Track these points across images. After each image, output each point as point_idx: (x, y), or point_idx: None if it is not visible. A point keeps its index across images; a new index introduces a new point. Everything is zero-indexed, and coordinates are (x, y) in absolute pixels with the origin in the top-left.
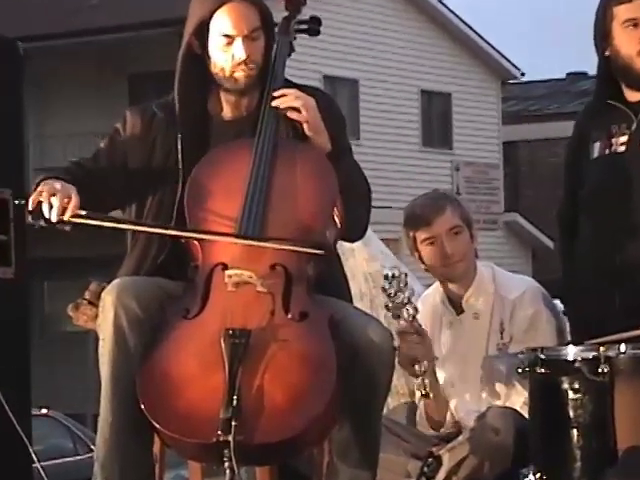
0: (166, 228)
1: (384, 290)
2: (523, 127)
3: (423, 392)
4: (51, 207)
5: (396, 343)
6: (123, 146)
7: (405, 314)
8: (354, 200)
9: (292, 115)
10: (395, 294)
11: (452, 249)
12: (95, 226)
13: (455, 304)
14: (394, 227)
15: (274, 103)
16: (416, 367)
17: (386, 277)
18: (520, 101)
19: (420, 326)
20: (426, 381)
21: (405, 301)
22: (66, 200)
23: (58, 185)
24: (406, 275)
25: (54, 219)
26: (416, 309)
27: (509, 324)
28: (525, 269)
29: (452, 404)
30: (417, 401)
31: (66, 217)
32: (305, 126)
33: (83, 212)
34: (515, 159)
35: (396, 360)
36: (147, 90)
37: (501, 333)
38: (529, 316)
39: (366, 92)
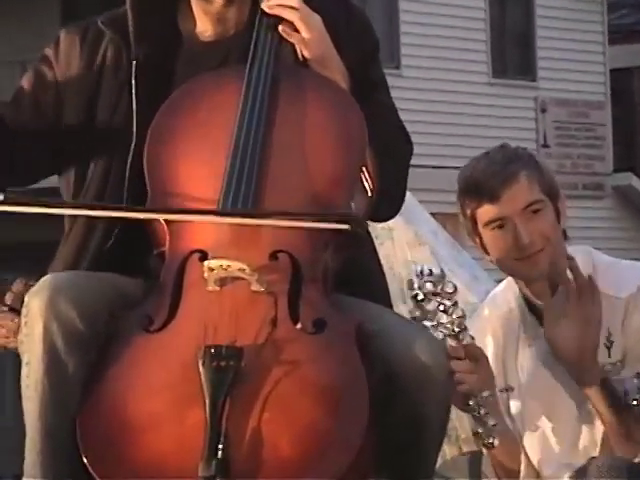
0: (115, 209)
1: (411, 288)
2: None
3: (486, 442)
4: None
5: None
6: (55, 83)
7: (446, 329)
8: (385, 161)
9: (284, 31)
10: (426, 298)
11: (529, 235)
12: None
13: (538, 310)
14: (450, 196)
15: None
16: (471, 402)
17: (421, 273)
18: (634, 10)
19: (472, 341)
20: (490, 422)
21: (446, 309)
22: None
23: None
24: (445, 277)
25: None
26: (464, 325)
27: (620, 335)
28: None
29: (534, 456)
30: (486, 461)
31: None
32: (302, 51)
33: None
34: (629, 95)
35: None
36: (86, 3)
37: (608, 349)
38: None
39: None
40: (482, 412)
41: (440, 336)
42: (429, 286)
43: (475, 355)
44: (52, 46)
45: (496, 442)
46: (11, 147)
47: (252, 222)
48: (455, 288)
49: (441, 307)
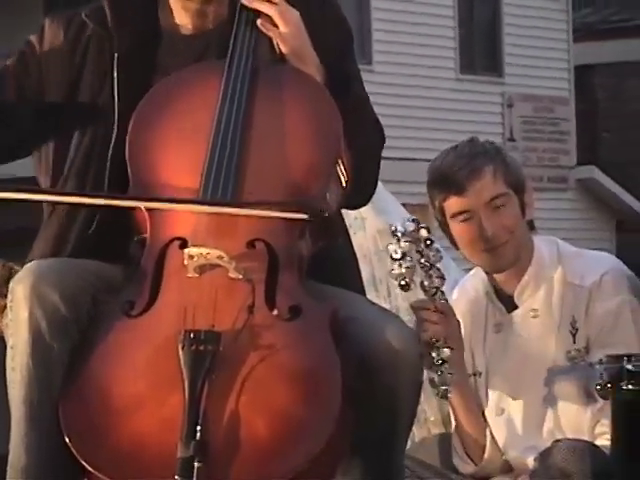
0: (98, 196)
1: (390, 247)
2: (603, 45)
3: (441, 389)
4: None
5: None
6: (38, 68)
7: (424, 282)
8: (360, 151)
9: (263, 25)
10: (403, 257)
11: (493, 228)
12: None
13: (505, 298)
14: (420, 187)
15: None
16: (433, 354)
17: (394, 232)
18: (598, 8)
19: (445, 301)
20: (447, 375)
21: (424, 265)
22: None
23: None
24: (428, 231)
25: None
26: (442, 278)
27: (584, 322)
28: (607, 244)
29: (500, 438)
30: (453, 430)
31: None
32: (280, 45)
33: None
34: (592, 90)
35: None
36: None
37: (573, 335)
38: (612, 310)
39: None
40: (440, 362)
41: (425, 283)
42: (409, 226)
43: (444, 310)
44: (36, 34)
45: (450, 389)
46: None
47: (228, 211)
48: (428, 230)
49: (424, 265)
